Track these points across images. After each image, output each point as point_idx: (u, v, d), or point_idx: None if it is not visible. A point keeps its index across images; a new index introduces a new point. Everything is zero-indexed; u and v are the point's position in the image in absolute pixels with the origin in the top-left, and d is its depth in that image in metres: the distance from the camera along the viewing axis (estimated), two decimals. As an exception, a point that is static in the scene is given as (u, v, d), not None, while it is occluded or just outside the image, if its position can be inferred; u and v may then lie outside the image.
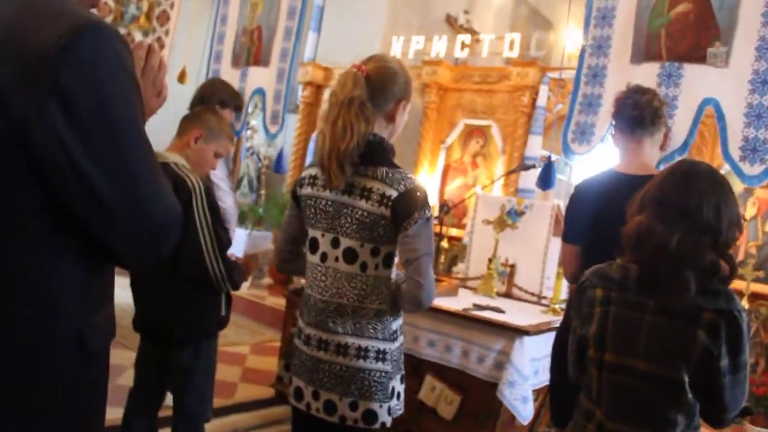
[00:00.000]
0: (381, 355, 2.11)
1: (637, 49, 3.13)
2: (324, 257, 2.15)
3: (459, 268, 5.39)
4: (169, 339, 2.79)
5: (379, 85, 2.09)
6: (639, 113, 2.61)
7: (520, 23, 10.23)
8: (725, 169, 3.38)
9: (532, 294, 4.58)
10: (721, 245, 1.65)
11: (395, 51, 8.06)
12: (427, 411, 3.96)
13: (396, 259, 2.15)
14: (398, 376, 2.19)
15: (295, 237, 2.31)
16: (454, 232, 6.93)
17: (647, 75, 3.07)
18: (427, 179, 7.36)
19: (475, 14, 9.87)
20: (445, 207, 5.29)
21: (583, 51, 3.30)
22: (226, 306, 2.83)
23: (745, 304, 5.31)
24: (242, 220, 8.93)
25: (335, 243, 2.12)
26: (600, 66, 3.24)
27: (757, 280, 5.40)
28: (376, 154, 2.08)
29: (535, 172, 6.13)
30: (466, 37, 7.83)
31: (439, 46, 7.70)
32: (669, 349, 1.64)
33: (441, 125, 7.49)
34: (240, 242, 7.93)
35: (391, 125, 2.16)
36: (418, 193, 2.05)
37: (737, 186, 5.38)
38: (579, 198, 2.77)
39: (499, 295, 4.61)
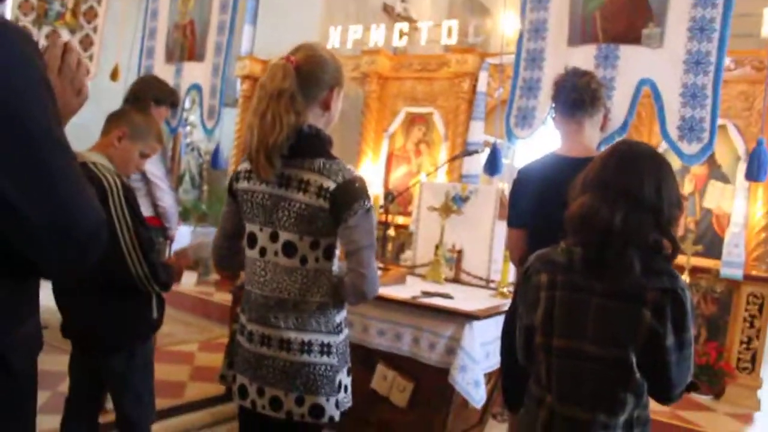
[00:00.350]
0: (326, 349, 2.08)
1: (573, 32, 3.16)
2: (263, 252, 2.10)
3: (407, 255, 5.40)
4: (100, 345, 2.69)
5: (310, 74, 2.04)
6: (578, 95, 2.64)
7: (457, 10, 10.29)
8: (663, 147, 3.45)
9: (480, 278, 4.61)
10: (663, 224, 1.67)
11: (333, 41, 8.00)
12: (381, 400, 3.95)
13: (337, 251, 2.12)
14: (344, 369, 2.16)
15: (233, 232, 2.25)
16: (400, 220, 6.95)
17: (584, 57, 3.10)
18: (370, 168, 7.35)
19: (411, 2, 9.88)
20: (389, 196, 5.28)
21: (520, 36, 3.31)
22: (157, 308, 2.72)
23: (686, 278, 5.45)
24: (186, 217, 8.78)
25: (274, 237, 2.07)
26: (538, 50, 3.26)
27: (696, 254, 5.55)
28: (313, 146, 2.05)
29: (479, 158, 6.21)
30: (404, 26, 7.82)
31: (377, 36, 7.68)
32: (616, 330, 1.66)
33: (383, 114, 7.48)
34: (184, 240, 7.80)
35: (327, 114, 2.12)
36: (357, 184, 2.02)
37: (674, 163, 5.53)
38: (522, 182, 2.79)
39: (447, 281, 4.62)
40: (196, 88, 4.29)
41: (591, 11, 3.09)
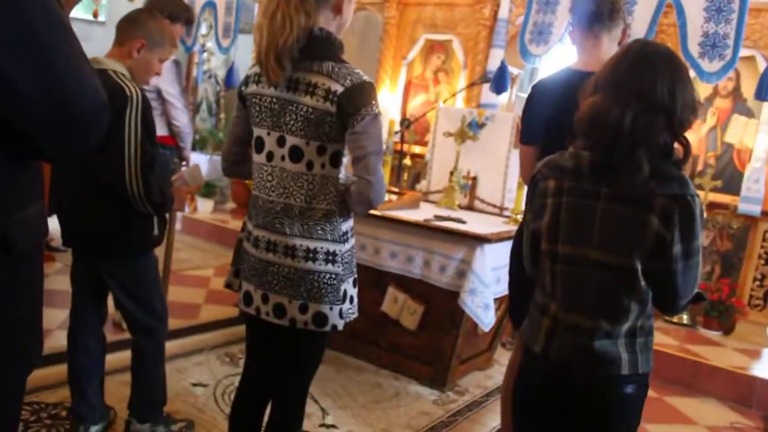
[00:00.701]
0: (331, 257, 2.08)
1: (594, -55, 3.04)
2: (270, 156, 2.08)
3: (422, 185, 5.37)
4: (98, 252, 2.73)
5: None
6: (596, 8, 2.56)
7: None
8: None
9: (494, 206, 4.59)
10: (675, 126, 1.62)
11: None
12: (391, 322, 4.00)
13: (345, 159, 2.09)
14: (350, 279, 2.16)
15: (242, 138, 2.22)
16: (417, 149, 6.89)
17: (605, -29, 2.99)
18: (388, 97, 7.26)
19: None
20: (405, 122, 5.23)
21: (539, -51, 3.20)
22: (159, 225, 2.74)
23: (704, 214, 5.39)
24: (203, 145, 8.77)
25: (281, 141, 2.05)
26: (558, -37, 3.16)
27: (714, 189, 5.48)
28: (323, 49, 2.00)
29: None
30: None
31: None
32: (622, 236, 1.63)
33: (402, 41, 7.33)
34: (202, 168, 7.81)
35: (338, 17, 2.06)
36: (366, 88, 1.98)
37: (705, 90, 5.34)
38: (536, 98, 2.73)
39: (461, 207, 4.60)
40: (211, 5, 4.20)
41: None
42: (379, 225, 3.83)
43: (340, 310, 2.12)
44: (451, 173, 4.59)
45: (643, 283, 1.63)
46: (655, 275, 1.64)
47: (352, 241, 2.19)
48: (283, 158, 2.06)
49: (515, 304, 2.79)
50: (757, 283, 5.47)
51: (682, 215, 1.58)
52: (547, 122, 2.57)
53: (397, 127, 5.23)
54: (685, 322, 5.55)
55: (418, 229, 3.74)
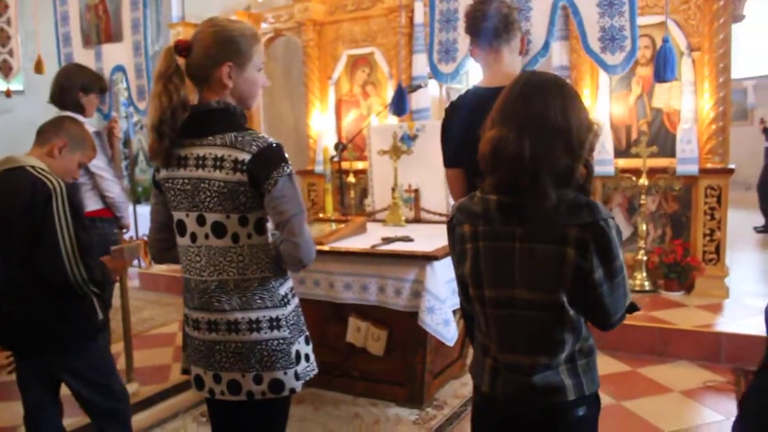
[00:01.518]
0: (275, 323, 2.07)
1: (486, -45, 3.08)
2: (194, 237, 2.08)
3: (369, 201, 5.38)
4: (49, 348, 2.69)
5: (197, 52, 2.04)
6: (491, 24, 2.59)
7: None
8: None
9: (440, 215, 4.62)
10: (575, 147, 1.63)
11: (264, -7, 7.82)
12: (359, 351, 4.00)
13: (270, 224, 2.10)
14: (301, 339, 2.15)
15: (165, 224, 2.21)
16: (360, 165, 6.89)
17: (500, -21, 3.03)
18: (321, 118, 7.26)
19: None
20: (339, 145, 5.23)
21: (433, -34, 3.23)
22: (102, 308, 2.73)
23: (644, 180, 5.51)
24: (148, 197, 8.66)
25: (201, 220, 2.05)
26: (452, -22, 3.19)
27: (652, 155, 5.59)
28: (222, 121, 2.03)
29: (426, 90, 6.14)
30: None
31: (307, -19, 7.48)
32: (543, 273, 1.64)
33: (324, 61, 7.34)
34: (146, 220, 7.72)
35: (226, 90, 2.07)
36: (273, 152, 1.99)
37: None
38: (448, 121, 2.76)
39: (408, 221, 4.63)
40: (120, 69, 4.15)
41: (502, -68, 3.01)
42: (329, 259, 3.83)
43: (295, 372, 2.11)
44: (393, 190, 4.61)
45: (571, 312, 1.64)
46: (582, 302, 1.65)
47: (295, 301, 2.18)
48: (207, 236, 2.05)
49: (467, 322, 2.81)
50: (708, 238, 5.59)
51: (597, 242, 1.58)
52: (463, 143, 2.60)
53: (332, 152, 5.22)
54: (647, 288, 5.66)
55: (367, 256, 3.75)
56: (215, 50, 2.03)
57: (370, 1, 6.99)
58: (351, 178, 6.55)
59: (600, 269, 1.60)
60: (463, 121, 2.60)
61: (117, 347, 4.50)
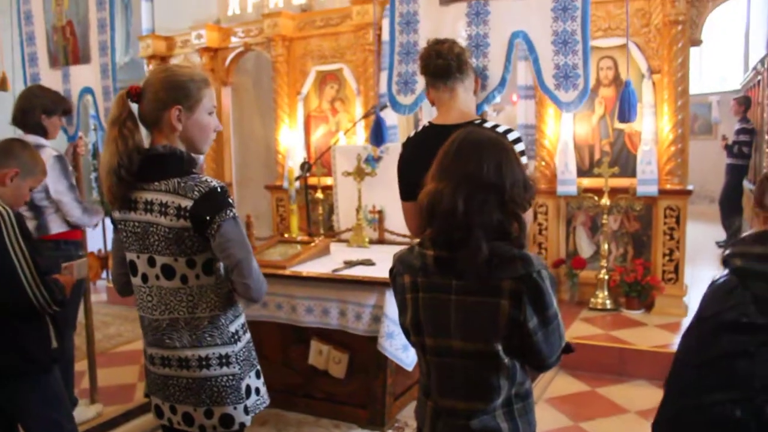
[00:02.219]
0: (225, 360, 2.13)
1: (433, -10, 3.15)
2: (145, 278, 2.13)
3: (335, 218, 5.43)
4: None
5: (148, 97, 2.09)
6: (443, 61, 2.65)
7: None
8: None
9: (404, 236, 4.67)
10: (508, 203, 1.69)
11: (232, 8, 7.82)
12: (321, 373, 4.04)
13: (220, 264, 2.14)
14: (252, 373, 2.21)
15: (125, 259, 2.25)
16: (328, 181, 6.93)
17: (456, 16, 3.09)
18: (289, 133, 7.29)
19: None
20: (306, 165, 5.27)
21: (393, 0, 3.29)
22: (56, 336, 2.74)
23: (606, 200, 5.62)
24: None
25: (151, 262, 2.10)
26: (411, 12, 3.24)
27: (614, 175, 5.70)
28: (167, 166, 2.07)
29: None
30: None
31: (276, -4, 7.53)
32: (478, 325, 1.70)
33: (293, 76, 7.37)
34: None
35: (175, 134, 2.11)
36: (215, 196, 2.03)
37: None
38: (404, 156, 2.82)
39: (372, 242, 4.68)
40: (89, 91, 4.15)
41: (454, -32, 3.08)
42: (291, 283, 3.87)
43: (245, 406, 2.17)
44: (357, 211, 4.66)
45: (506, 360, 1.70)
46: (518, 349, 1.72)
47: (246, 337, 2.23)
48: (157, 277, 2.10)
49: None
50: (667, 258, 5.70)
51: (531, 294, 1.64)
52: (417, 178, 2.65)
53: (297, 172, 5.26)
54: (608, 306, 5.76)
55: (329, 281, 3.79)
56: (164, 94, 2.08)
57: (339, 17, 7.03)
58: (319, 194, 6.60)
59: (534, 318, 1.66)
60: (416, 157, 2.66)
61: (81, 366, 4.49)
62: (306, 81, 7.28)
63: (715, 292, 0.83)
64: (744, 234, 0.84)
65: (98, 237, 7.59)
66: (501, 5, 3.02)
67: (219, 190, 2.04)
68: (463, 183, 1.67)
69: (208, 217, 2.00)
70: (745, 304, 0.74)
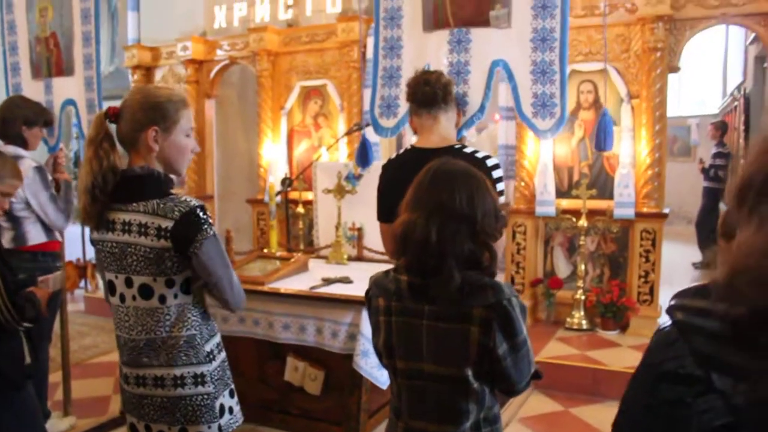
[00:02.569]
0: (200, 379, 2.15)
1: (426, 18, 3.20)
2: (122, 298, 2.16)
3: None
4: None
5: (126, 118, 2.13)
6: (431, 89, 2.71)
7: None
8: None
9: (382, 254, 4.70)
10: (479, 233, 1.75)
11: (219, 21, 7.85)
12: (297, 389, 4.05)
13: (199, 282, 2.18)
14: (225, 392, 2.23)
15: None
16: (309, 195, 6.96)
17: (438, 43, 3.15)
18: (272, 147, 7.31)
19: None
20: (287, 181, 5.29)
21: (376, 24, 3.34)
22: (30, 352, 2.73)
23: (583, 222, 5.69)
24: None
25: (129, 282, 2.12)
26: (395, 37, 3.30)
27: (592, 197, 5.78)
28: (145, 187, 2.10)
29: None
30: (289, -1, 7.73)
31: (262, 11, 7.56)
32: (449, 350, 1.75)
33: (278, 91, 7.41)
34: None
35: (152, 154, 2.14)
36: (195, 216, 2.06)
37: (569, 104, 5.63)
38: (384, 177, 2.87)
39: (350, 259, 4.71)
40: (71, 103, 4.16)
41: (438, -4, 3.14)
42: (268, 300, 3.89)
43: (219, 425, 2.19)
44: (337, 228, 4.69)
45: (475, 385, 1.75)
46: (488, 375, 1.76)
47: (221, 356, 2.26)
48: (134, 298, 2.13)
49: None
50: (642, 279, 5.78)
51: (500, 321, 1.69)
52: (396, 200, 2.70)
53: (278, 187, 5.29)
54: (584, 327, 5.82)
55: (306, 299, 3.81)
56: (141, 115, 2.11)
57: (324, 34, 7.09)
58: (300, 209, 6.61)
59: (504, 344, 1.71)
60: (396, 179, 2.70)
61: (55, 377, 4.47)
62: (290, 96, 7.32)
63: (658, 342, 0.87)
64: (688, 286, 0.89)
65: (77, 246, 7.59)
66: (482, 34, 3.09)
67: (198, 210, 2.08)
68: (436, 213, 1.73)
69: (189, 237, 2.04)
70: (683, 357, 0.78)
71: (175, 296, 2.12)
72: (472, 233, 1.73)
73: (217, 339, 2.26)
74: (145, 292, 2.11)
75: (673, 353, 0.80)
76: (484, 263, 1.75)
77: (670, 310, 0.83)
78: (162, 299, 2.11)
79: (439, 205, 1.74)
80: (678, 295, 0.84)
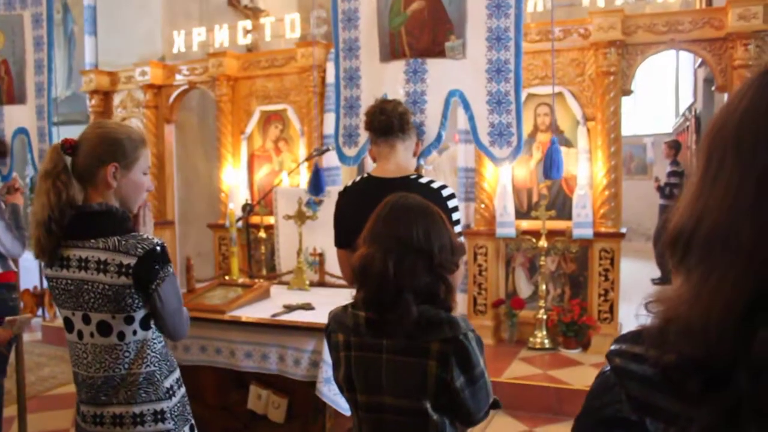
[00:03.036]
0: (159, 416, 2.13)
1: (383, 49, 3.24)
2: (80, 335, 2.14)
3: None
4: None
5: (83, 153, 2.11)
6: (386, 117, 2.75)
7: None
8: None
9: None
10: (435, 267, 1.78)
11: (177, 46, 7.83)
12: (261, 417, 4.02)
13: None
14: (186, 428, 2.22)
15: None
16: (272, 220, 6.95)
17: (396, 73, 3.19)
18: (233, 172, 7.29)
19: (258, -8, 9.71)
20: (248, 207, 5.28)
21: (336, 55, 3.37)
22: None
23: (543, 242, 5.76)
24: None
25: (86, 319, 2.11)
26: (353, 68, 3.34)
27: (551, 218, 5.87)
28: (104, 224, 2.09)
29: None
30: (248, 23, 7.74)
31: (222, 36, 7.57)
32: (407, 383, 1.78)
33: (238, 116, 7.40)
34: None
35: (110, 191, 2.14)
36: (158, 254, 2.07)
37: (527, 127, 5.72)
38: (340, 204, 2.91)
39: (312, 285, 4.70)
40: (23, 132, 4.12)
41: (397, 27, 3.18)
42: (230, 328, 3.86)
43: None
44: (298, 254, 4.68)
45: (435, 417, 1.77)
46: (447, 407, 1.79)
47: (181, 392, 2.25)
48: (92, 335, 2.11)
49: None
50: (602, 298, 5.87)
51: (457, 355, 1.73)
52: (351, 227, 2.72)
53: (239, 213, 5.27)
54: (547, 346, 5.88)
55: (267, 327, 3.79)
56: (101, 150, 2.11)
57: (283, 59, 7.12)
58: (262, 233, 6.60)
59: (461, 377, 1.74)
60: (351, 207, 2.74)
61: (10, 411, 4.37)
62: (250, 120, 7.32)
63: (599, 386, 0.90)
64: (626, 331, 0.92)
65: (33, 274, 7.45)
66: (438, 65, 3.13)
67: (159, 248, 2.08)
68: (394, 247, 1.75)
69: (151, 275, 2.04)
70: (621, 401, 0.81)
71: (135, 333, 2.11)
72: (429, 267, 1.76)
73: (177, 374, 2.25)
74: (104, 329, 2.09)
75: (610, 398, 0.83)
76: (441, 296, 1.78)
77: (609, 355, 0.87)
78: (121, 336, 2.09)
79: (396, 239, 1.77)
80: (617, 340, 0.87)
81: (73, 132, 6.42)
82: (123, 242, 2.05)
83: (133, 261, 2.02)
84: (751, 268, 0.66)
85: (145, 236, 2.09)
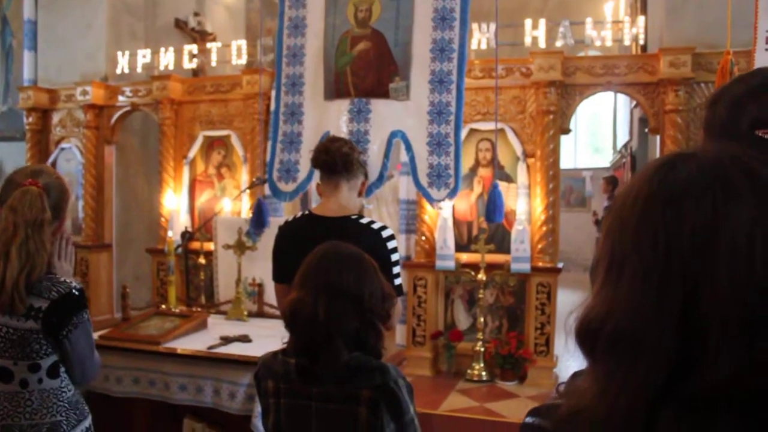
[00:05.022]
0: None
1: (328, 87, 3.28)
2: None
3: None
4: None
5: (54, 203, 2.05)
6: (330, 158, 2.77)
7: (254, 24, 10.16)
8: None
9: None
10: (366, 312, 1.80)
11: (121, 67, 7.72)
12: (193, 451, 3.96)
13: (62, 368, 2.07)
14: None
15: None
16: (212, 246, 6.87)
17: (339, 111, 3.23)
18: (174, 198, 7.20)
19: (206, 15, 9.68)
20: (187, 234, 5.22)
21: (277, 90, 3.38)
22: None
23: (482, 276, 5.85)
24: None
25: None
26: (296, 104, 3.35)
27: (490, 252, 5.96)
28: None
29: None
30: (194, 47, 7.70)
31: (167, 59, 7.50)
32: (338, 431, 1.78)
33: (180, 140, 7.33)
34: None
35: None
36: (73, 299, 1.99)
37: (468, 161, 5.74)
38: (280, 239, 2.91)
39: (251, 315, 4.66)
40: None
41: (342, 67, 3.22)
42: (164, 360, 3.79)
43: None
44: (237, 283, 4.64)
45: None
46: None
47: None
48: None
49: None
50: (539, 331, 5.98)
51: (388, 402, 1.75)
52: (289, 262, 2.72)
53: (177, 240, 5.21)
54: (484, 378, 5.94)
55: (203, 359, 3.74)
56: (64, 204, 2.12)
57: (228, 84, 7.10)
58: (202, 260, 6.51)
59: (392, 425, 1.75)
60: (291, 242, 2.75)
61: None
62: (193, 145, 7.26)
63: None
64: (543, 403, 0.96)
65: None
66: (382, 105, 3.18)
67: (76, 292, 2.00)
68: (324, 291, 1.78)
69: (63, 320, 1.94)
70: None
71: (40, 381, 2.00)
72: (360, 312, 1.78)
73: (87, 422, 2.14)
74: (5, 375, 1.97)
75: None
76: (371, 343, 1.80)
77: (522, 429, 0.90)
78: (24, 384, 1.98)
79: (326, 283, 1.79)
80: (531, 413, 0.90)
81: (8, 150, 6.20)
82: (38, 284, 1.95)
83: (45, 304, 1.93)
84: (655, 365, 0.70)
85: (62, 279, 2.00)
